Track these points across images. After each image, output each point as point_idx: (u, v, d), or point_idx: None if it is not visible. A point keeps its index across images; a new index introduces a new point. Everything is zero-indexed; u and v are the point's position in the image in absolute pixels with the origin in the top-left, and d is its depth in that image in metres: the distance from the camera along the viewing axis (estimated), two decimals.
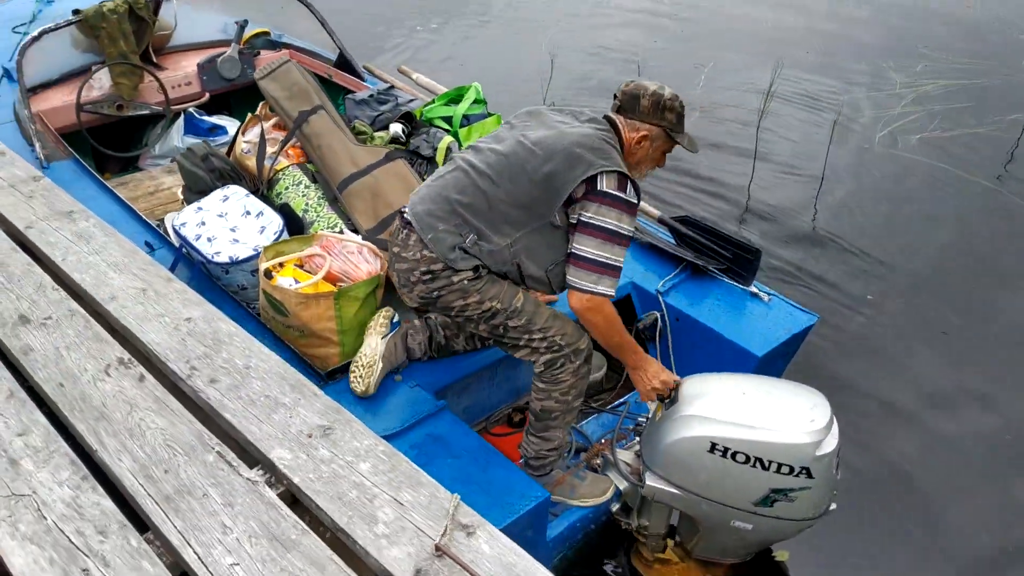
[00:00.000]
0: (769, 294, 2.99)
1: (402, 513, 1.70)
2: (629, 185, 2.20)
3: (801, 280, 4.16)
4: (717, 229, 3.10)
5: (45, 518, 1.67)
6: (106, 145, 4.06)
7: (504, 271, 2.34)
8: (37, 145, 3.54)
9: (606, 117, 2.39)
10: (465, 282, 2.29)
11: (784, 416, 2.21)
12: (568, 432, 2.54)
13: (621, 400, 2.97)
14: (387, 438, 2.31)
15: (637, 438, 2.63)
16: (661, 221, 3.27)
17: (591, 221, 2.19)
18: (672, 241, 3.20)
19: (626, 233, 2.21)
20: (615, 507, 2.60)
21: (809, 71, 6.28)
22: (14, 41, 3.97)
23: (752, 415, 2.21)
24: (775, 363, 2.86)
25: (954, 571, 2.82)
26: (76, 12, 3.90)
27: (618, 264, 2.23)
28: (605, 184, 2.17)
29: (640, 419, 2.63)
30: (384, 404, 2.52)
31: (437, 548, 1.62)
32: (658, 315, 2.95)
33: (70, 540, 1.63)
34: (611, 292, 2.24)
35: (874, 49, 6.64)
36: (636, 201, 2.23)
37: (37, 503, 1.70)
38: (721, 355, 2.80)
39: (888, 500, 3.05)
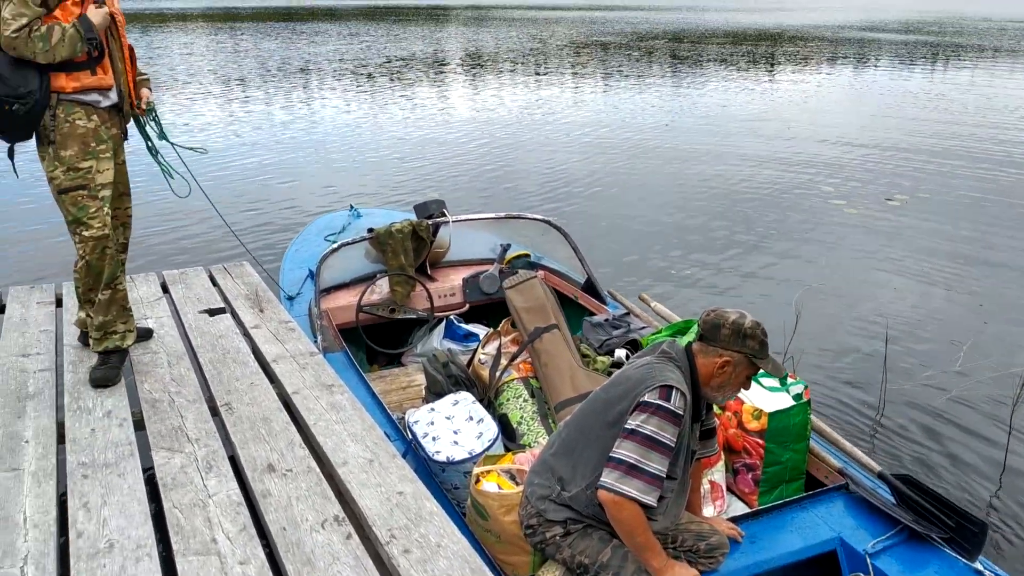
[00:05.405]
0: (997, 575, 2.63)
1: None
2: (674, 394, 2.30)
3: None
4: (939, 494, 2.84)
5: None
6: (378, 341, 4.71)
7: (593, 514, 2.44)
8: (319, 337, 4.20)
9: (687, 347, 2.52)
10: (557, 538, 2.50)
11: None
12: None
13: None
14: None
15: None
16: (881, 476, 3.07)
17: (630, 426, 2.32)
18: (891, 499, 2.98)
19: (664, 441, 2.29)
20: None
21: None
22: (324, 247, 4.82)
23: None
24: None
25: None
26: (371, 231, 4.73)
27: (653, 470, 2.28)
28: (648, 396, 2.32)
29: None
30: None
31: None
32: None
33: None
34: (636, 495, 2.28)
35: None
36: (681, 412, 2.31)
37: None
38: None
39: None
